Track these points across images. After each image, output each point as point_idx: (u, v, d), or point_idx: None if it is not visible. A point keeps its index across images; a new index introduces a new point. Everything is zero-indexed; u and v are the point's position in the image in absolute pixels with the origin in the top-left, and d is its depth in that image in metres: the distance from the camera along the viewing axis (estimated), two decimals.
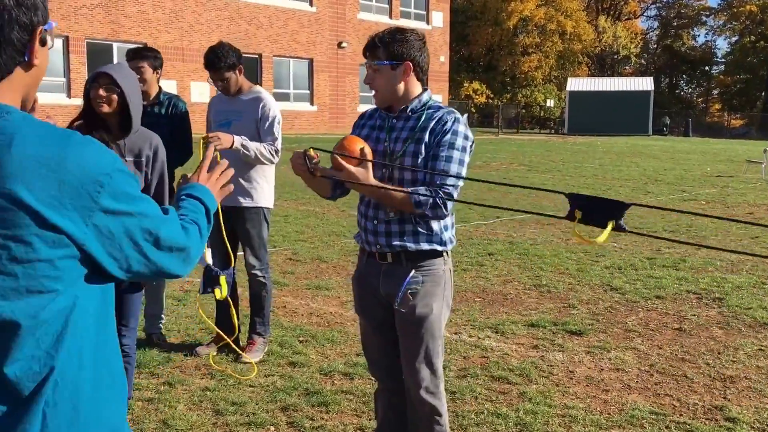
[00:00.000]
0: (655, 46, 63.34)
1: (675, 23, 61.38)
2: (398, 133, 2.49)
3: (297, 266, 6.44)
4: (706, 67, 61.08)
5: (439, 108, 2.53)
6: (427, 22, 34.67)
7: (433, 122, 2.48)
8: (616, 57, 57.10)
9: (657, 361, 4.23)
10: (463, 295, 5.63)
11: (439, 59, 35.48)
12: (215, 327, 3.90)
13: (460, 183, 2.46)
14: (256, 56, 27.06)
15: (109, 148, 2.84)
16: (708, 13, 60.31)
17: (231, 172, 1.60)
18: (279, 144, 4.07)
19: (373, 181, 2.38)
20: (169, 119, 4.25)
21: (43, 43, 1.20)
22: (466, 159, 2.47)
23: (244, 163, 3.95)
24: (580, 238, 1.62)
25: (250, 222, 4.12)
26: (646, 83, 42.23)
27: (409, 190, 2.36)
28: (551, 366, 4.12)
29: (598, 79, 45.43)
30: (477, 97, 47.20)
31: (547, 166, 18.07)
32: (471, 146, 2.51)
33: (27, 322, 1.11)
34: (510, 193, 12.18)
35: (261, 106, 4.04)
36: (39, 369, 1.13)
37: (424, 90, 2.57)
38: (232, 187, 1.61)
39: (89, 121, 3.03)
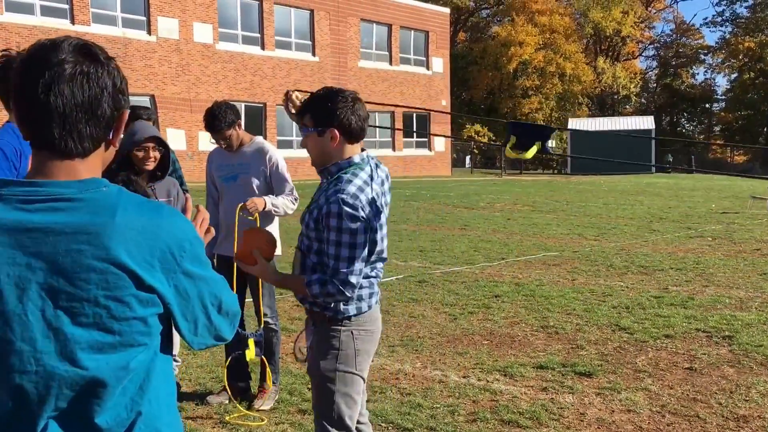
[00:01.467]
0: (655, 85, 64.04)
1: (674, 62, 62.18)
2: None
3: (304, 312, 6.44)
4: (707, 105, 61.61)
5: (340, 179, 2.42)
6: (428, 68, 35.26)
7: (323, 197, 2.44)
8: (616, 97, 57.70)
9: (668, 402, 4.20)
10: (470, 338, 5.61)
11: (441, 103, 35.95)
12: (231, 393, 3.90)
13: (357, 266, 2.38)
14: (261, 105, 27.54)
15: (143, 190, 3.37)
16: (706, 51, 61.13)
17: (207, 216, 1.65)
18: (294, 190, 4.19)
19: (270, 277, 2.59)
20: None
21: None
22: (359, 239, 2.37)
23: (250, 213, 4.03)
24: (513, 154, 2.14)
25: None
26: (647, 122, 42.59)
27: (305, 279, 2.45)
28: (561, 408, 4.09)
29: (598, 119, 45.85)
30: (479, 138, 47.60)
31: (551, 206, 18.12)
32: (365, 220, 2.37)
33: (117, 374, 1.23)
34: (515, 233, 12.20)
35: (267, 158, 4.14)
36: (126, 415, 1.24)
37: (362, 151, 2.54)
38: (213, 232, 1.66)
39: (124, 167, 3.52)
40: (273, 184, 4.14)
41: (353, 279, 2.38)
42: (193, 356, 5.09)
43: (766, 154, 46.86)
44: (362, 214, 2.35)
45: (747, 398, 4.26)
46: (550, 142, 2.70)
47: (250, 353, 3.76)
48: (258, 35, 27.85)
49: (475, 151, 46.27)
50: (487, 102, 50.48)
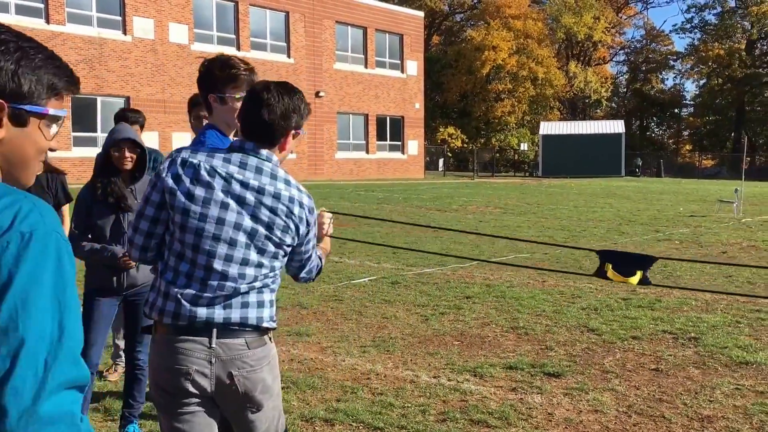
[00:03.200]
0: (625, 89, 64.96)
1: (644, 67, 63.11)
2: None
3: (277, 313, 6.40)
4: (676, 110, 62.63)
5: None
6: (402, 71, 35.38)
7: None
8: (587, 101, 58.40)
9: (635, 402, 4.26)
10: (441, 339, 5.63)
11: (414, 106, 36.06)
12: None
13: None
14: None
15: (123, 192, 3.34)
16: (675, 57, 62.15)
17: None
18: None
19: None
20: (151, 171, 4.58)
21: (17, 119, 1.12)
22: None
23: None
24: (618, 278, 1.90)
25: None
26: (617, 126, 43.18)
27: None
28: (530, 408, 4.12)
29: (570, 123, 46.37)
30: (452, 141, 47.86)
31: (522, 208, 18.27)
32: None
33: None
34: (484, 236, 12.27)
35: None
36: None
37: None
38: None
39: (107, 172, 3.64)
40: None
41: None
42: None
43: (734, 158, 47.80)
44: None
45: (711, 399, 4.33)
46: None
47: None
48: (233, 36, 27.70)
49: (448, 154, 46.49)
50: (460, 105, 50.76)
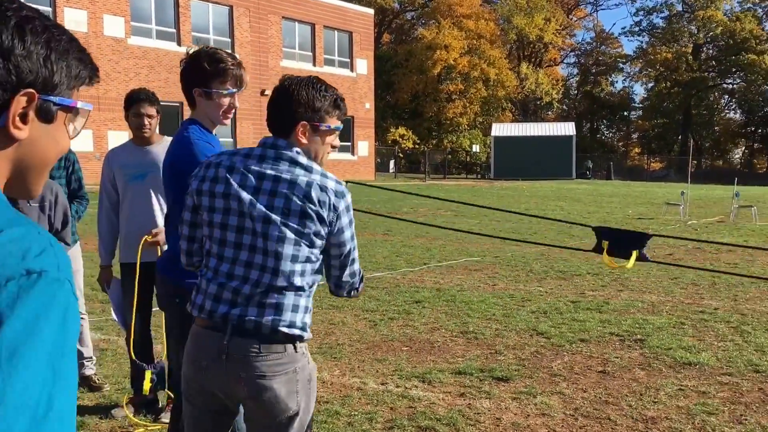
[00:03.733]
0: (576, 92, 66.48)
1: (594, 70, 64.72)
2: None
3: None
4: (625, 112, 64.41)
5: None
6: (352, 70, 35.39)
7: None
8: (538, 102, 59.55)
9: (581, 405, 4.37)
10: (390, 345, 5.67)
11: (365, 106, 36.13)
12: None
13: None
14: (178, 104, 26.87)
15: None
16: (624, 60, 63.92)
17: None
18: None
19: None
20: (62, 170, 4.48)
21: (45, 114, 0.94)
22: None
23: (158, 211, 3.96)
24: (612, 264, 1.92)
25: None
26: (568, 128, 44.14)
27: None
28: (478, 414, 4.19)
29: (521, 125, 47.20)
30: (404, 142, 48.12)
31: (474, 211, 18.51)
32: None
33: None
34: (438, 239, 12.40)
35: None
36: None
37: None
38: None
39: None
40: None
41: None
42: (99, 366, 4.93)
43: (681, 161, 49.40)
44: None
45: (656, 400, 4.48)
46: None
47: (146, 385, 3.61)
48: (173, 30, 27.25)
49: (399, 155, 46.71)
50: (411, 105, 51.10)
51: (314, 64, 33.20)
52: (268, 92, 30.25)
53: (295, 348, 2.11)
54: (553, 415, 4.20)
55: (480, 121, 52.70)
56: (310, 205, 2.09)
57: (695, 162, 53.53)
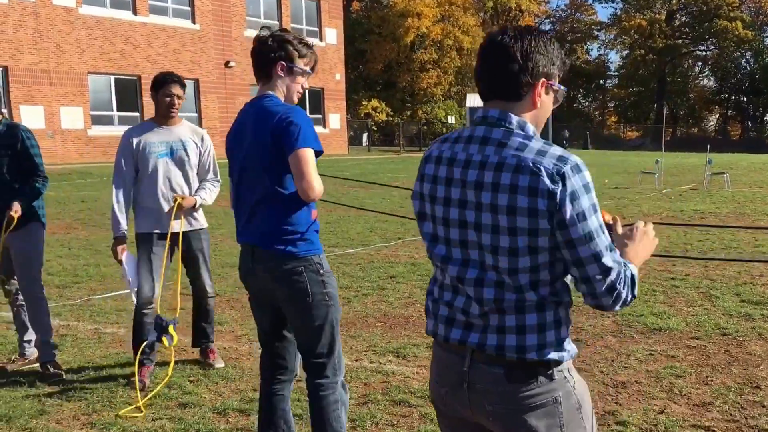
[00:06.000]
0: None
1: (569, 37, 64.88)
2: None
3: (188, 301, 6.39)
4: (601, 81, 64.85)
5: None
6: (321, 39, 35.08)
7: None
8: None
9: None
10: (364, 321, 5.79)
11: (335, 77, 35.93)
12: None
13: None
14: (134, 78, 26.46)
15: None
16: (599, 27, 64.18)
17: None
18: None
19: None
20: (9, 148, 4.41)
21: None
22: None
23: (184, 185, 4.46)
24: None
25: (204, 242, 4.62)
26: None
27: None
28: None
29: None
30: (377, 114, 48.00)
31: None
32: None
33: None
34: (411, 212, 12.51)
35: (202, 138, 4.57)
36: None
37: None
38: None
39: None
40: (201, 167, 4.55)
41: None
42: (59, 353, 4.98)
43: (656, 130, 50.01)
44: None
45: (626, 365, 4.67)
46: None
47: (174, 339, 4.11)
48: None
49: (372, 128, 46.63)
50: (384, 76, 50.87)
51: None
52: (233, 63, 29.94)
53: (549, 376, 1.75)
54: None
55: (455, 92, 52.70)
56: (523, 197, 1.68)
57: (670, 130, 54.25)
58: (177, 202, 4.29)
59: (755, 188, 17.59)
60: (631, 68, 59.77)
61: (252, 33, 31.10)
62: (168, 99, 4.38)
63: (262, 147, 2.81)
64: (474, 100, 44.66)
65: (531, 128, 1.75)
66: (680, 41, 58.33)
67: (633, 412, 3.92)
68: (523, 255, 1.68)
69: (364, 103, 47.98)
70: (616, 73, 64.86)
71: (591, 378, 4.44)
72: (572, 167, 1.67)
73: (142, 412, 3.90)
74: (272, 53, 2.88)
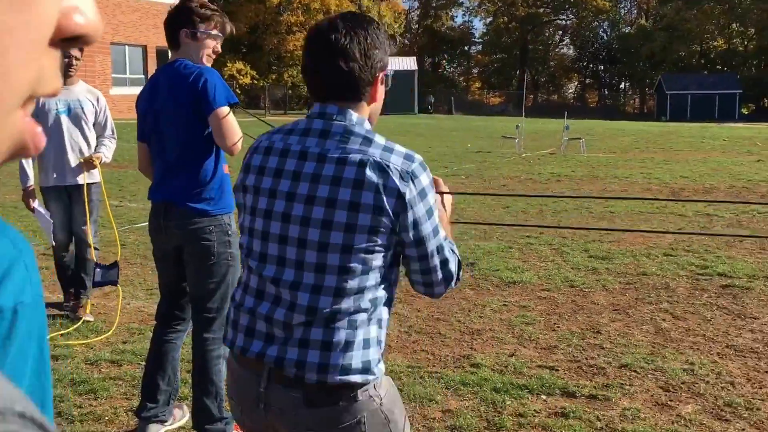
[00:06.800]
0: (417, 26, 67.80)
1: (434, 3, 66.14)
2: None
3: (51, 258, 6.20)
4: (466, 47, 66.80)
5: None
6: None
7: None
8: None
9: (415, 323, 4.86)
10: None
11: None
12: None
13: None
14: None
15: None
16: None
17: None
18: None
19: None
20: None
21: None
22: None
23: (83, 142, 4.78)
24: None
25: (95, 195, 4.93)
26: (410, 63, 45.18)
27: None
28: None
29: None
30: (241, 77, 47.01)
31: None
32: None
33: None
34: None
35: (98, 98, 4.89)
36: None
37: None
38: None
39: None
40: (98, 125, 4.88)
41: None
42: None
43: (518, 96, 52.32)
44: None
45: (482, 315, 5.06)
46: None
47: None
48: None
49: (237, 91, 45.65)
50: (251, 39, 49.79)
51: None
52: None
53: (355, 397, 1.65)
54: (389, 332, 4.63)
55: None
56: (363, 194, 1.64)
57: (531, 96, 56.97)
58: (95, 161, 4.70)
59: (609, 153, 18.95)
60: (495, 35, 61.95)
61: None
62: (66, 60, 4.61)
63: (178, 107, 2.93)
64: None
65: (369, 125, 1.75)
66: (542, 10, 61.03)
67: (486, 355, 4.30)
68: (356, 253, 1.62)
69: (228, 65, 46.81)
70: (480, 40, 67.05)
71: (449, 327, 4.80)
72: (419, 165, 1.68)
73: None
74: (175, 23, 3.00)
